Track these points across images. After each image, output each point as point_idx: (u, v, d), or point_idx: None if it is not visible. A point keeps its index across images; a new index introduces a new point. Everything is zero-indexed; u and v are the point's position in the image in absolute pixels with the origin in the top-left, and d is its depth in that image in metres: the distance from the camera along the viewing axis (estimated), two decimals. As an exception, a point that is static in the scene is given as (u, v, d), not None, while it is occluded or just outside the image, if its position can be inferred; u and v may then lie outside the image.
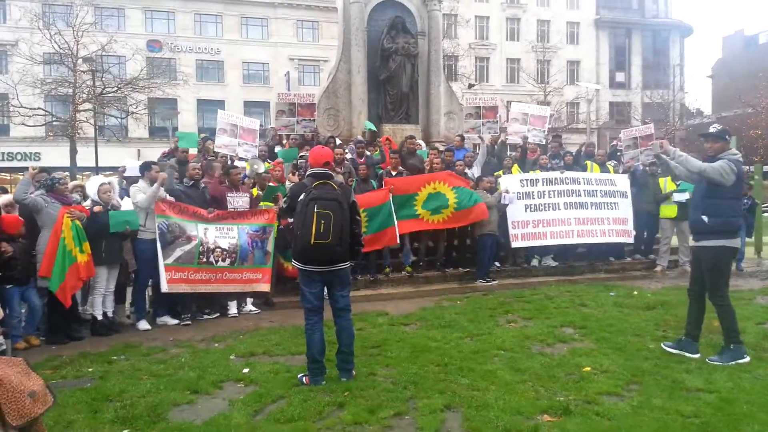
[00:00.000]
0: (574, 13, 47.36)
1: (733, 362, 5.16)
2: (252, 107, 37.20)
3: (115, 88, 27.78)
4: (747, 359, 5.21)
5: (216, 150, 9.77)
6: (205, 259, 7.53)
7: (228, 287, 7.77)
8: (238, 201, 8.05)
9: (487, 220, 9.42)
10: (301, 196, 4.81)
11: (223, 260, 7.64)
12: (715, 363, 5.20)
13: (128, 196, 7.63)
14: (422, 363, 5.34)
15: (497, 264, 10.26)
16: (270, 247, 7.98)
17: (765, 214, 15.23)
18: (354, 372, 5.03)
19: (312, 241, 4.62)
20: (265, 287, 7.97)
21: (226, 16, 38.46)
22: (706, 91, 58.57)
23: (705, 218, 5.33)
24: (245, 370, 5.28)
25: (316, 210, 4.63)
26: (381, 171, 9.99)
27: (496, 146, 11.59)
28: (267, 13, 39.16)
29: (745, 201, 10.98)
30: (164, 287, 7.29)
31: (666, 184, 10.85)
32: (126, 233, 7.15)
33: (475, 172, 10.64)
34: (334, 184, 4.88)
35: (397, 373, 5.07)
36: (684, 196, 10.50)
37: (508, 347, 5.83)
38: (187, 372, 5.31)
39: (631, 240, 10.89)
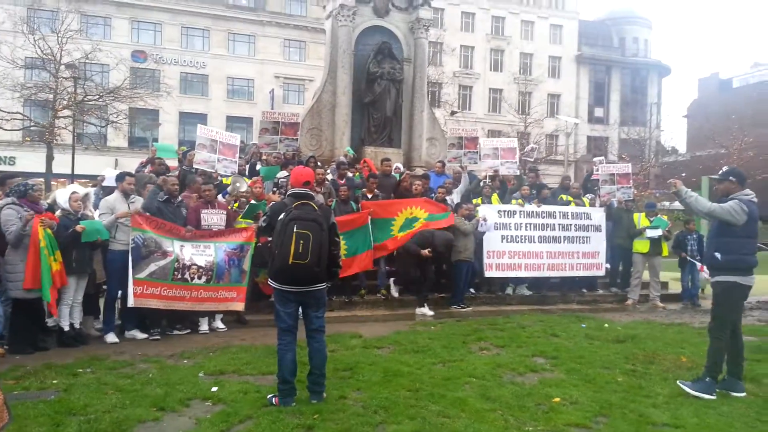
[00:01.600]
0: (557, 48, 48.49)
1: (700, 393, 5.26)
2: (235, 122, 37.10)
3: (97, 97, 27.51)
4: (713, 397, 5.29)
5: (195, 166, 9.69)
6: (179, 276, 7.44)
7: (203, 305, 7.67)
8: (213, 218, 7.96)
9: (463, 246, 9.51)
10: (281, 216, 4.82)
11: (199, 278, 7.55)
12: (684, 387, 5.34)
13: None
14: (394, 388, 5.32)
15: (472, 290, 10.32)
16: (246, 265, 7.91)
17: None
18: (325, 394, 4.98)
19: (290, 260, 4.62)
20: (240, 306, 7.91)
21: (214, 30, 38.52)
22: (682, 130, 60.10)
23: (718, 255, 5.48)
24: (214, 389, 5.20)
25: (295, 230, 4.64)
26: (358, 193, 10.04)
27: (467, 176, 11.64)
28: (255, 31, 39.33)
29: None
30: (131, 302, 7.17)
31: (640, 219, 11.10)
32: (97, 243, 7.04)
33: (454, 198, 10.74)
34: (314, 205, 4.90)
35: (368, 397, 5.04)
36: (657, 233, 10.77)
37: (480, 375, 5.84)
38: (154, 388, 5.21)
39: (602, 273, 11.09)
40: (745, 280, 5.45)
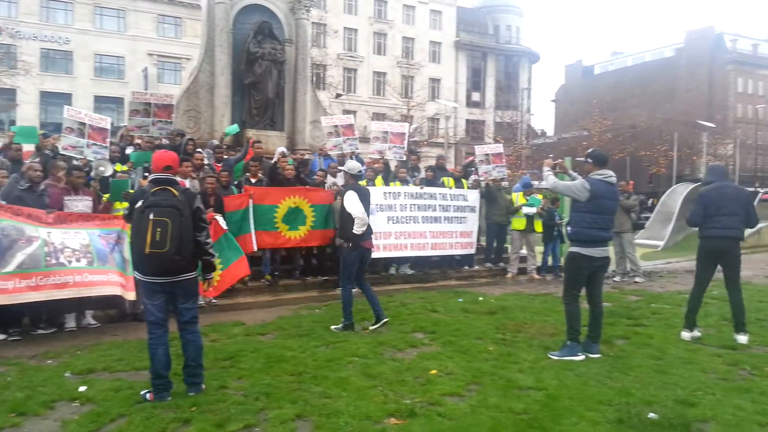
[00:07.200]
0: (436, 33, 49.88)
1: (567, 357, 5.78)
2: (104, 103, 34.68)
3: (-63, 73, 24.55)
4: (581, 357, 5.81)
5: (62, 152, 8.91)
6: (54, 261, 6.59)
7: (94, 290, 6.82)
8: (78, 205, 7.37)
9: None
10: (138, 203, 4.58)
11: (78, 260, 6.74)
12: (553, 356, 5.85)
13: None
14: (276, 373, 5.31)
15: (356, 272, 10.45)
16: (127, 254, 7.32)
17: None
18: (203, 386, 4.86)
19: (147, 250, 4.39)
20: (132, 295, 7.07)
21: (78, 4, 35.55)
22: (551, 114, 64.37)
23: (569, 228, 6.13)
24: (82, 388, 4.89)
25: (152, 218, 4.40)
26: (238, 176, 9.85)
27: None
28: (124, 5, 36.78)
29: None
30: (1, 300, 6.26)
31: (518, 198, 11.86)
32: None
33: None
34: (174, 190, 4.62)
35: (250, 385, 5.00)
36: (532, 210, 11.65)
37: (363, 354, 5.98)
38: (13, 392, 4.81)
39: (473, 251, 11.71)
40: (586, 251, 5.91)
